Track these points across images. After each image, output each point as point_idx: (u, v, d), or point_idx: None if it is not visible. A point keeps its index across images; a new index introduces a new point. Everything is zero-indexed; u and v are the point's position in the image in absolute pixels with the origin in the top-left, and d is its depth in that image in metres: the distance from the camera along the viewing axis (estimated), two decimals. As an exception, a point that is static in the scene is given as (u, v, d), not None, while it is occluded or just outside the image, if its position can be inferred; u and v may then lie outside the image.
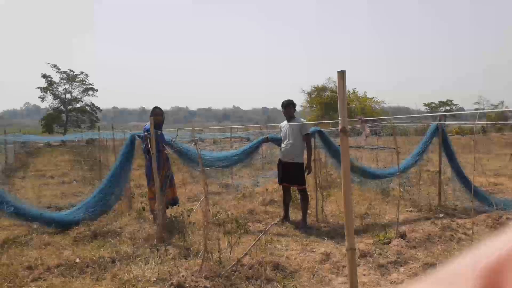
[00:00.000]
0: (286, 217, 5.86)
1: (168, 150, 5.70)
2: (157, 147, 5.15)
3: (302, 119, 6.09)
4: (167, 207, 5.81)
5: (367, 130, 4.98)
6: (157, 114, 5.71)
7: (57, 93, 40.89)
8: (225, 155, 6.44)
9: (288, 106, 5.80)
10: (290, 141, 5.63)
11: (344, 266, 3.96)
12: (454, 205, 6.65)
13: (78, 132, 32.34)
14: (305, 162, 5.74)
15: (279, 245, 4.78)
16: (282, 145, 5.79)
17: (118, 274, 3.90)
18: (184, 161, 6.20)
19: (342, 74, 2.28)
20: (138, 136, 5.97)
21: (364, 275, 3.88)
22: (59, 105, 40.96)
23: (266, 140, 6.51)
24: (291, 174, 5.67)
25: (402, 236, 4.74)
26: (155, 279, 3.69)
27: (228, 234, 4.63)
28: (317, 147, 6.43)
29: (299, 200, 5.93)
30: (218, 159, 6.13)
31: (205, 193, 4.10)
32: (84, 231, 5.20)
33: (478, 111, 9.67)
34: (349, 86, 36.57)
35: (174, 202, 5.93)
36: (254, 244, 4.08)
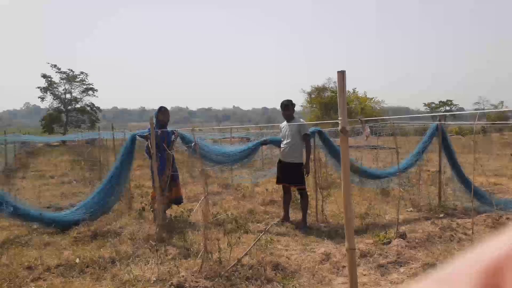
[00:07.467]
0: (286, 217, 5.86)
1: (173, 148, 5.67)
2: (161, 146, 5.15)
3: (301, 119, 6.05)
4: (170, 206, 5.78)
5: (367, 130, 4.98)
6: (166, 113, 5.77)
7: (57, 93, 40.84)
8: (224, 151, 6.42)
9: (287, 106, 5.76)
10: (290, 141, 5.62)
11: (344, 266, 3.96)
12: (454, 205, 6.64)
13: (78, 132, 32.31)
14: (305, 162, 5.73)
15: (279, 245, 4.78)
16: (282, 146, 5.78)
17: (118, 274, 3.90)
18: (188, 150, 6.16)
19: (342, 74, 2.28)
20: (141, 136, 5.92)
21: (364, 275, 3.88)
22: (59, 105, 40.93)
23: (266, 142, 6.50)
24: (290, 175, 5.65)
25: (402, 236, 4.74)
26: (155, 279, 3.69)
27: (228, 234, 4.63)
28: (317, 147, 6.43)
29: (299, 200, 5.93)
30: (217, 153, 6.11)
31: (205, 193, 4.11)
32: (84, 231, 5.20)
33: (478, 111, 9.69)
34: (349, 86, 36.63)
35: (177, 201, 5.87)
36: (254, 244, 4.08)
